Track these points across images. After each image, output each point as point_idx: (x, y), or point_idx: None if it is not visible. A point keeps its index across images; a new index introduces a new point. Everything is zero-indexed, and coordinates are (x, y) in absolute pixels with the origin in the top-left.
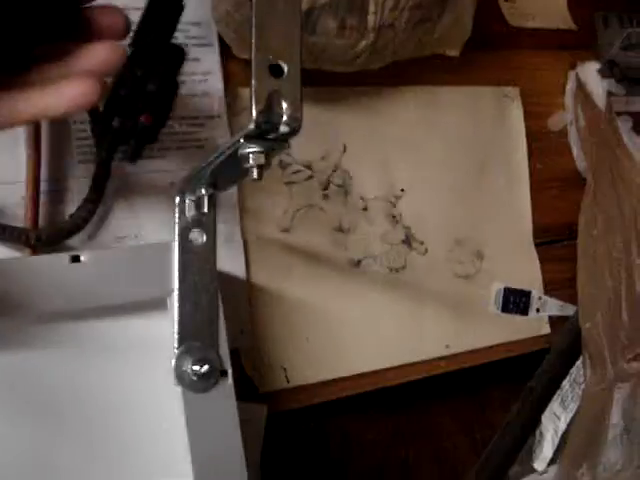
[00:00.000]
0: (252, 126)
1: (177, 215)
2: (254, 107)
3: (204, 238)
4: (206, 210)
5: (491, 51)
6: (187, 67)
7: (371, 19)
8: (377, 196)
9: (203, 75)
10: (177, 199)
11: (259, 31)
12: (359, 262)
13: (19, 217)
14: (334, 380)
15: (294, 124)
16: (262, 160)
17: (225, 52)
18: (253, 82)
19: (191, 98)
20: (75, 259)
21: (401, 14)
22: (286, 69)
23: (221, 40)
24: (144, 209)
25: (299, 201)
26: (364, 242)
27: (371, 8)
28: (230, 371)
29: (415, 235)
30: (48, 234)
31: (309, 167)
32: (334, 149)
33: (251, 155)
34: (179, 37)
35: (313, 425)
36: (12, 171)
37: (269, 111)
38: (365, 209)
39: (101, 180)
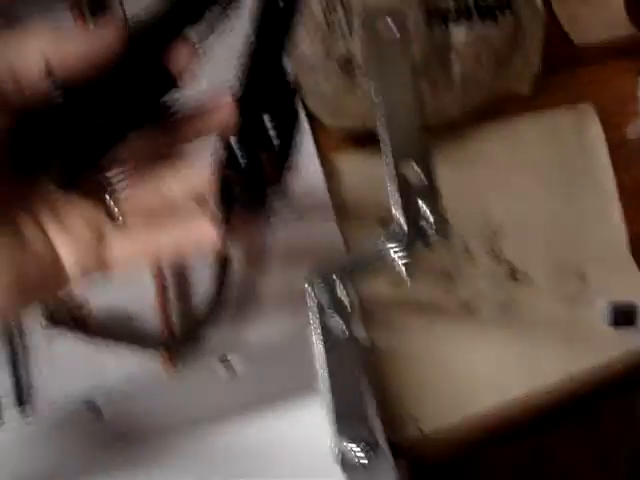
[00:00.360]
0: (401, 243)
1: (310, 302)
2: (402, 223)
3: (341, 320)
4: (340, 294)
5: (560, 73)
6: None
7: (457, 74)
8: (476, 235)
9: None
10: (308, 288)
11: (387, 142)
12: (469, 303)
13: (146, 315)
14: (464, 421)
15: (444, 229)
16: (413, 260)
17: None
18: (395, 197)
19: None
20: (223, 359)
21: (481, 65)
22: (422, 173)
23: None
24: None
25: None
26: (471, 283)
27: (455, 65)
28: (385, 443)
29: (518, 267)
30: (185, 332)
31: None
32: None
33: (398, 259)
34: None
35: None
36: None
37: (416, 224)
38: (467, 250)
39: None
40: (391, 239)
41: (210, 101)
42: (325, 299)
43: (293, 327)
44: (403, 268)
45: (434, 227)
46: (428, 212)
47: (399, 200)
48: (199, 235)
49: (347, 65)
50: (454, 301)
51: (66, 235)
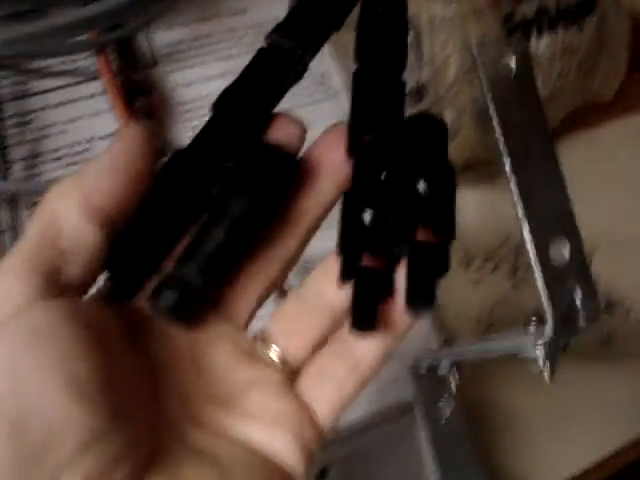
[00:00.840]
0: (547, 338)
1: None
2: (548, 312)
3: (447, 406)
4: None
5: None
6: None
7: (543, 90)
8: None
9: None
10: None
11: (527, 218)
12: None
13: None
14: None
15: (595, 314)
16: (557, 357)
17: None
18: (540, 282)
19: None
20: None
21: (566, 78)
22: (568, 249)
23: None
24: None
25: (489, 299)
26: None
27: (539, 81)
28: None
29: (614, 297)
30: None
31: (491, 258)
32: (511, 224)
33: (540, 356)
34: None
35: None
36: None
37: (563, 311)
38: None
39: None
40: (532, 328)
41: (317, 156)
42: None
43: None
44: (545, 366)
45: (583, 312)
46: (577, 295)
47: (546, 286)
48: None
49: (418, 95)
50: None
51: (267, 430)
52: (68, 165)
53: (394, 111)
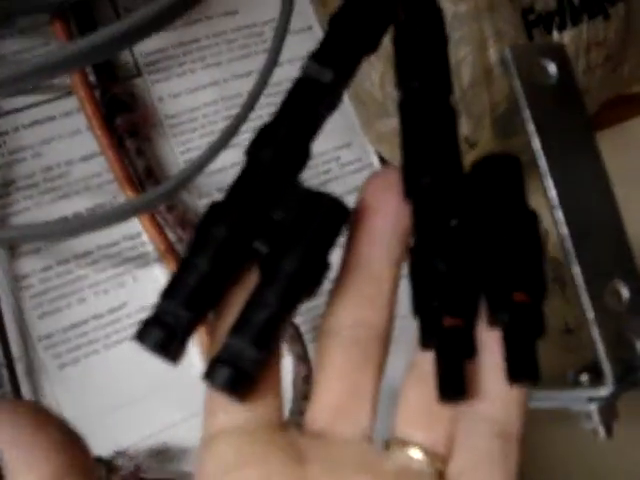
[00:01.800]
0: (605, 395)
1: None
2: (608, 374)
3: None
4: None
5: None
6: (353, 200)
7: None
8: None
9: None
10: None
11: (578, 258)
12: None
13: None
14: None
15: None
16: (614, 413)
17: None
18: (595, 331)
19: None
20: None
21: (593, 73)
22: (629, 292)
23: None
24: None
25: None
26: None
27: None
28: None
29: None
30: None
31: None
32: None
33: (595, 413)
34: (333, 168)
35: None
36: None
37: (622, 363)
38: None
39: None
40: (584, 380)
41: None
42: None
43: None
44: (601, 424)
45: None
46: (638, 345)
47: (602, 338)
48: None
49: None
50: (579, 362)
51: None
52: (44, 192)
53: (449, 145)
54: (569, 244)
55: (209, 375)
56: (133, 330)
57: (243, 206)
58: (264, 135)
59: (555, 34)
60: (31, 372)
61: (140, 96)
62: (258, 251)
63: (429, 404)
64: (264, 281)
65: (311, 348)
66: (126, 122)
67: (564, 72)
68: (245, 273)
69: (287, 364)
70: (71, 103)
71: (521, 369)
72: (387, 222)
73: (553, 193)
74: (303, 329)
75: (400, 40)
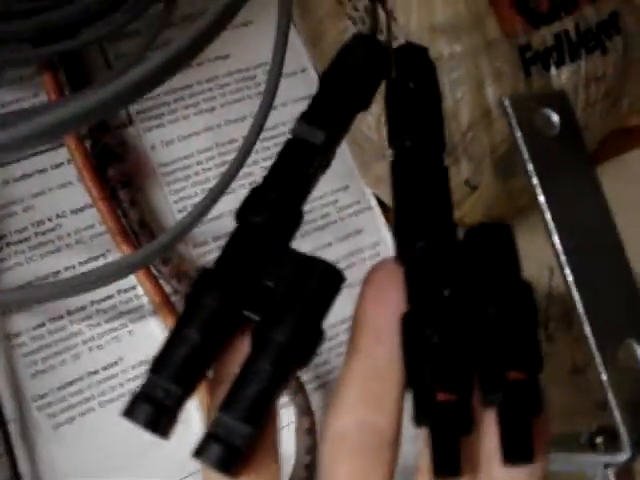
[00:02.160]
0: (622, 460)
1: None
2: (625, 440)
3: None
4: None
5: None
6: (353, 244)
7: None
8: None
9: (372, 248)
10: None
11: (589, 318)
12: (606, 404)
13: None
14: None
15: None
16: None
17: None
18: (610, 393)
19: None
20: None
21: (593, 109)
22: None
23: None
24: None
25: None
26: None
27: None
28: None
29: None
30: None
31: None
32: (540, 276)
33: (612, 477)
34: (331, 211)
35: None
36: None
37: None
38: None
39: None
40: (601, 444)
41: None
42: None
43: None
44: None
45: None
46: None
47: (618, 403)
48: None
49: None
50: (591, 401)
51: None
52: (36, 246)
53: (442, 209)
54: (580, 305)
55: (200, 452)
56: (130, 386)
57: (234, 273)
58: (255, 199)
59: (553, 71)
60: (25, 433)
61: (132, 145)
62: (250, 318)
63: None
64: (256, 351)
65: (314, 398)
66: (118, 172)
67: (566, 121)
68: (238, 339)
69: (289, 415)
70: (62, 155)
71: (515, 450)
72: (391, 317)
73: (560, 248)
74: (305, 378)
75: (392, 97)
